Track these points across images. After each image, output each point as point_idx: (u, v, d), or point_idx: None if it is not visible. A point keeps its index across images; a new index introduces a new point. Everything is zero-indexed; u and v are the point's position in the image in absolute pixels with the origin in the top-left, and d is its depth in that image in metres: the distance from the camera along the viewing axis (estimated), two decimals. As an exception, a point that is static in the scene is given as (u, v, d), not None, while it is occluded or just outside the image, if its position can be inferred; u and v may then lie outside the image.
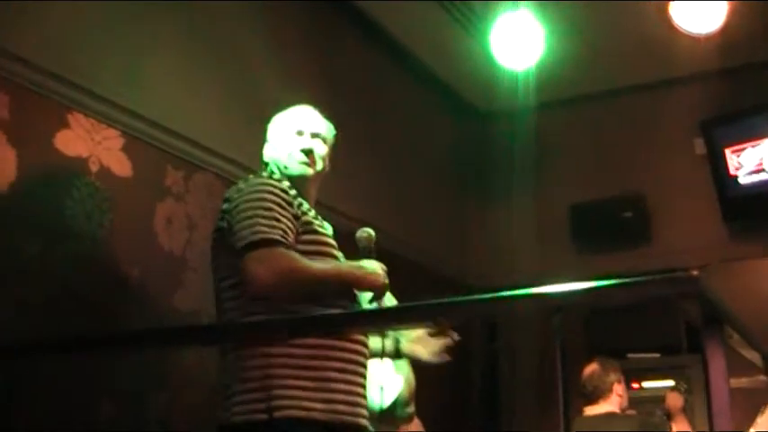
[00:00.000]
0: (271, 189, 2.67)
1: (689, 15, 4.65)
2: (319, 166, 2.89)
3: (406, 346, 3.03)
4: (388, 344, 3.00)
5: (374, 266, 2.74)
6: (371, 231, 2.87)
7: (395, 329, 2.94)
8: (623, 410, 4.49)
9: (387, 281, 2.73)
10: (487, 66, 5.13)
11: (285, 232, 2.60)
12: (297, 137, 2.88)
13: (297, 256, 2.61)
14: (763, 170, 5.25)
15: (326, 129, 2.97)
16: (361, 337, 2.73)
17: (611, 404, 4.40)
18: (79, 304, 3.18)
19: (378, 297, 2.74)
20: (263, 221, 2.58)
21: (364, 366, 2.73)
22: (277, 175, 2.83)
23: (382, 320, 2.52)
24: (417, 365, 3.14)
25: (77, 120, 3.31)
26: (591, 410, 4.44)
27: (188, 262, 3.67)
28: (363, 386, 2.71)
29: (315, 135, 2.90)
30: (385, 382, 3.23)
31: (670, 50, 5.08)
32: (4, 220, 3.00)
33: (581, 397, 4.55)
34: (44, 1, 3.23)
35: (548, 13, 4.84)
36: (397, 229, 4.89)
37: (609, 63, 5.54)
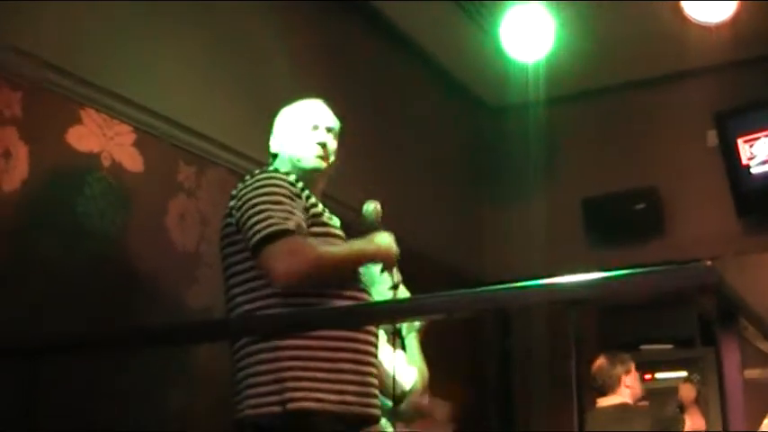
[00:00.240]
0: (279, 182, 2.67)
1: (700, 5, 4.64)
2: (331, 159, 2.90)
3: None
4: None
5: (385, 238, 2.76)
6: (377, 204, 2.88)
7: (408, 321, 2.96)
8: (637, 401, 4.51)
9: (398, 249, 2.76)
10: (499, 60, 5.12)
11: (298, 224, 2.60)
12: (312, 131, 2.88)
13: (314, 242, 2.62)
14: (775, 160, 5.26)
15: (337, 123, 2.98)
16: (373, 329, 2.73)
17: (621, 396, 4.46)
18: (92, 302, 3.18)
19: (389, 267, 2.76)
20: (276, 213, 2.58)
21: (376, 357, 2.73)
22: (286, 168, 2.83)
23: (395, 313, 2.51)
24: (431, 358, 3.14)
25: (89, 115, 3.31)
26: (603, 402, 4.49)
27: (202, 258, 3.67)
28: (375, 376, 2.71)
29: (329, 130, 2.92)
30: (399, 374, 3.23)
31: (681, 42, 5.06)
32: (16, 216, 3.01)
33: (593, 390, 4.58)
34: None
35: (558, 6, 4.82)
36: (409, 225, 4.87)
37: (620, 56, 5.51)
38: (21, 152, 3.02)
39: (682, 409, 4.81)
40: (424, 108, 5.55)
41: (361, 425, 2.65)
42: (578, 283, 1.85)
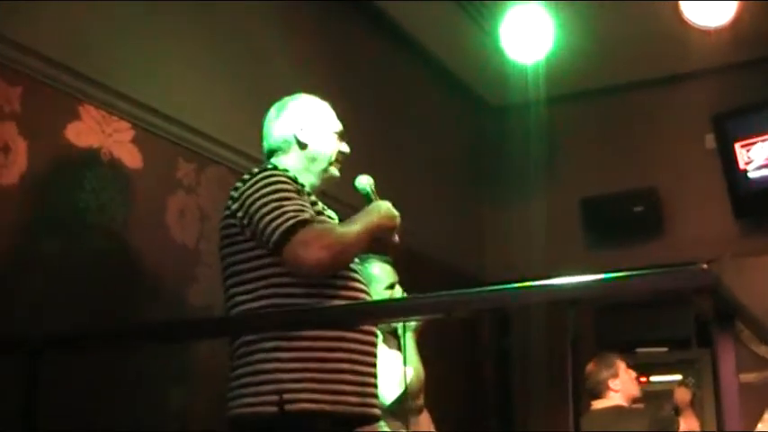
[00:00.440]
0: (283, 179, 2.66)
1: (699, 9, 4.64)
2: None
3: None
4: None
5: (383, 205, 2.77)
6: (369, 177, 2.88)
7: (405, 321, 2.96)
8: (632, 402, 4.51)
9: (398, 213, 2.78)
10: (499, 60, 5.12)
11: (312, 215, 2.61)
12: (339, 140, 2.90)
13: (331, 226, 2.64)
14: (772, 164, 5.26)
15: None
16: (371, 329, 2.73)
17: (611, 400, 4.45)
18: (92, 297, 3.18)
19: (393, 232, 2.78)
20: (289, 207, 2.58)
21: (375, 357, 2.73)
22: (295, 160, 2.83)
23: (395, 313, 2.52)
24: (428, 359, 3.14)
25: (88, 111, 3.31)
26: (597, 405, 4.49)
27: (201, 255, 3.67)
28: (374, 376, 2.71)
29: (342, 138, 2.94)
30: (395, 374, 3.23)
31: (681, 45, 5.07)
32: (15, 212, 3.00)
33: (587, 392, 4.59)
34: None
35: (558, 6, 4.82)
36: (409, 224, 4.86)
37: (620, 56, 5.52)
38: (20, 147, 3.02)
39: (677, 411, 4.82)
40: (424, 108, 5.55)
41: (360, 424, 2.65)
42: (577, 284, 1.86)
